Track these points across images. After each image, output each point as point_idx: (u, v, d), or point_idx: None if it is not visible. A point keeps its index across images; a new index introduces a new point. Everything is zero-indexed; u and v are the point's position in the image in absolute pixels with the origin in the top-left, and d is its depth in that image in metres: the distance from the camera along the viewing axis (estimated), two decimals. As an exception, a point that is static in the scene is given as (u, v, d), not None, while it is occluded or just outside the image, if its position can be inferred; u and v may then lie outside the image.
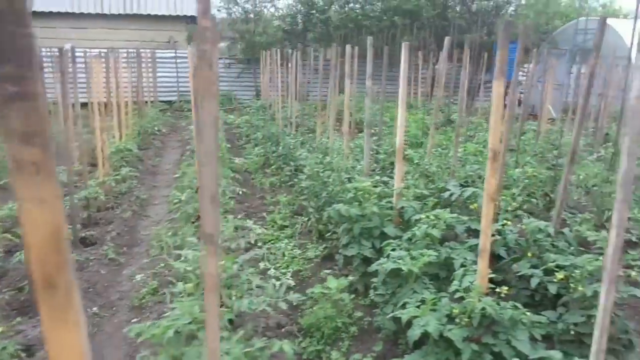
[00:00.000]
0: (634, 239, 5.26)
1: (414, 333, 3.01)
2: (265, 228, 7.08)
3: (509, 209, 4.82)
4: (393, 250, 3.90)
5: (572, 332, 3.38)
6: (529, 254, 4.01)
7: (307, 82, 14.73)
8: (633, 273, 3.49)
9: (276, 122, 11.74)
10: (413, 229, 4.19)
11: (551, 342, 3.59)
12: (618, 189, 2.18)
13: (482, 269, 3.16)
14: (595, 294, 3.36)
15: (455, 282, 3.29)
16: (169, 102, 19.61)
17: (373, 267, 3.90)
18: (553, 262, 3.64)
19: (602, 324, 2.32)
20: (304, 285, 5.37)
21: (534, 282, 3.62)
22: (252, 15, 20.34)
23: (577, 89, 11.42)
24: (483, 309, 2.93)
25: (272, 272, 5.69)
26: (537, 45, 19.33)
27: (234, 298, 3.36)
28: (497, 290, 3.19)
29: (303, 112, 12.94)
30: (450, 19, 18.34)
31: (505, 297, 4.16)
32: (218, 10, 20.17)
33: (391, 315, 3.33)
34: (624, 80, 9.25)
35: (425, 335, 3.10)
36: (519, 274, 3.79)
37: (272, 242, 6.63)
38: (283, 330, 4.48)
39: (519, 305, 3.18)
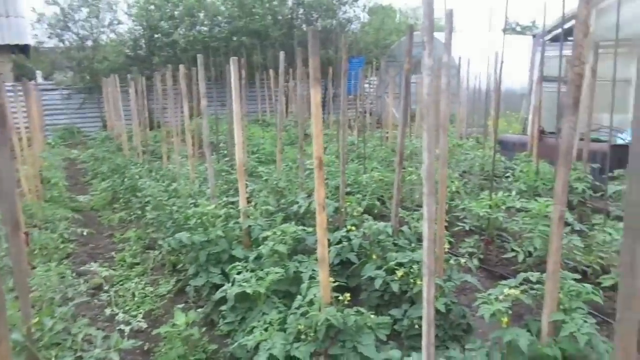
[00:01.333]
0: (467, 227, 5.70)
1: (260, 359, 2.84)
2: (114, 269, 6.45)
3: (355, 214, 4.92)
4: (238, 273, 3.72)
5: (417, 326, 3.48)
6: (374, 256, 4.10)
7: (158, 107, 14.05)
8: (463, 260, 3.72)
9: (123, 153, 10.95)
10: (259, 248, 4.04)
11: (400, 339, 3.68)
12: (424, 183, 2.25)
13: (324, 279, 3.11)
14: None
15: (299, 297, 3.20)
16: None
17: (217, 295, 3.67)
18: (394, 261, 3.74)
19: (427, 316, 2.36)
20: (157, 325, 4.91)
21: (377, 283, 3.68)
22: (89, 42, 18.95)
23: (416, 96, 12.40)
24: (327, 320, 2.87)
25: (120, 316, 5.15)
26: (378, 59, 20.79)
27: (53, 359, 2.89)
28: (340, 298, 3.15)
29: (155, 140, 12.26)
30: (296, 37, 18.89)
31: (356, 303, 4.21)
32: (49, 37, 18.46)
33: (237, 343, 3.13)
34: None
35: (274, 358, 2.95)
36: (363, 277, 3.83)
37: (121, 283, 6.04)
38: (131, 381, 4.04)
39: (362, 310, 3.19)
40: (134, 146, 10.31)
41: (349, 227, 4.37)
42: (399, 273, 3.57)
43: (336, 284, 3.30)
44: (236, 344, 3.17)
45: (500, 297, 2.95)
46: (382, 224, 4.14)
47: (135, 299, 5.53)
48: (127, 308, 5.35)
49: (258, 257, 4.06)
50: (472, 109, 12.63)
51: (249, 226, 4.51)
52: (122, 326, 4.97)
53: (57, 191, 8.77)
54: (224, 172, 7.59)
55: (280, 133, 6.62)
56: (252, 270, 3.79)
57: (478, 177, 7.20)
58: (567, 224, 4.97)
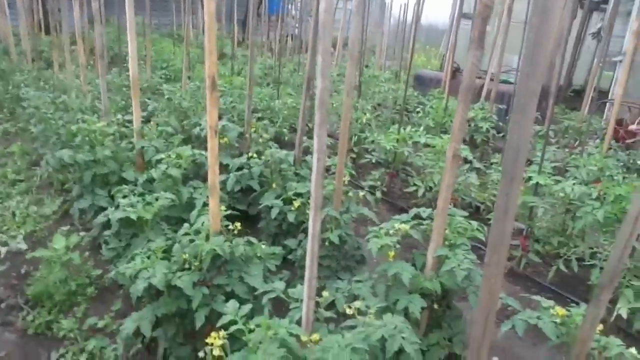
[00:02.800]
0: (373, 160, 5.71)
1: (137, 288, 2.67)
2: (-7, 186, 5.84)
3: (261, 140, 4.71)
4: (124, 196, 3.43)
5: (310, 257, 3.44)
6: (274, 185, 3.97)
7: (58, 10, 12.47)
8: (362, 193, 3.68)
9: (10, 58, 9.70)
10: (150, 171, 3.75)
11: (293, 268, 3.66)
12: (316, 111, 2.07)
13: (213, 207, 2.93)
14: (328, 219, 3.46)
15: (186, 225, 3.01)
16: None
17: (99, 218, 3.38)
18: (293, 190, 3.63)
19: (311, 250, 2.29)
20: (40, 248, 4.55)
21: (274, 213, 3.58)
22: None
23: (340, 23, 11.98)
24: (212, 250, 2.72)
25: (-2, 236, 4.72)
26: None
27: None
28: (230, 227, 3.01)
29: (52, 46, 10.99)
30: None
31: (255, 232, 4.11)
32: None
33: (114, 271, 2.92)
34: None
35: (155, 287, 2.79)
36: (260, 206, 3.71)
37: (0, 201, 5.49)
38: (2, 305, 3.72)
39: (253, 240, 3.08)
40: (23, 50, 9.16)
41: (251, 154, 4.17)
42: (296, 203, 3.48)
43: (228, 212, 3.13)
44: (113, 272, 2.96)
45: (391, 232, 2.95)
46: (284, 152, 3.99)
47: (16, 218, 5.07)
48: (5, 228, 4.89)
49: (149, 181, 3.78)
50: (394, 41, 12.49)
51: (142, 147, 4.16)
52: (-2, 247, 4.57)
53: None
54: (125, 88, 6.97)
55: (187, 47, 6.09)
56: (141, 195, 3.52)
57: (391, 110, 7.18)
58: (467, 161, 5.12)
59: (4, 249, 4.51)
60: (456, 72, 7.88)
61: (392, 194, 5.94)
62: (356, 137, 6.02)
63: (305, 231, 3.66)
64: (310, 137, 4.71)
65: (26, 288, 3.89)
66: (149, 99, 6.57)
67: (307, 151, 4.60)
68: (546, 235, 4.27)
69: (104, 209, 3.94)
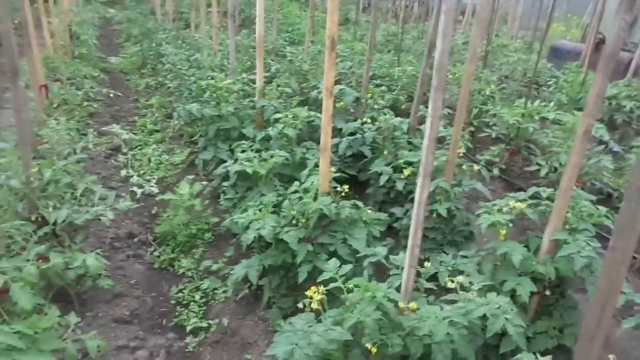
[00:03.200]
0: (494, 135, 5.39)
1: (247, 237, 2.84)
2: (135, 133, 6.51)
3: (376, 106, 4.67)
4: (243, 151, 3.63)
5: (416, 227, 3.39)
6: (385, 152, 3.93)
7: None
8: (477, 167, 3.51)
9: (156, 17, 10.59)
10: (268, 129, 3.91)
11: (397, 237, 3.63)
12: (434, 74, 1.99)
13: (323, 168, 2.99)
14: (438, 189, 3.37)
15: (296, 183, 3.11)
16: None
17: (219, 170, 3.62)
18: (404, 159, 3.57)
19: (416, 218, 2.24)
20: (168, 192, 5.01)
21: (382, 180, 3.56)
22: None
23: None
24: (319, 209, 2.79)
25: (134, 179, 5.27)
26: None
27: (50, 209, 2.95)
28: (338, 189, 3.05)
29: (190, 8, 11.81)
30: None
31: (363, 197, 4.12)
32: None
33: (229, 220, 3.12)
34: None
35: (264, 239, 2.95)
36: (369, 172, 3.70)
37: (139, 147, 6.11)
38: (135, 240, 4.19)
39: (359, 204, 3.09)
40: (166, 11, 9.93)
41: (364, 119, 4.15)
42: (406, 172, 3.42)
43: (337, 174, 3.18)
44: (228, 220, 3.17)
45: (505, 209, 2.78)
46: (398, 119, 3.91)
47: (151, 164, 5.62)
48: (141, 172, 5.45)
49: (266, 139, 3.95)
50: (530, 9, 11.47)
51: (263, 106, 4.34)
52: (135, 188, 5.10)
53: (86, 49, 8.65)
54: (252, 49, 7.26)
55: (311, 11, 6.15)
56: (258, 151, 3.70)
57: (518, 83, 6.67)
58: (602, 142, 4.63)
59: (139, 191, 5.03)
60: (600, 44, 7.04)
61: (511, 172, 5.58)
62: (477, 109, 5.70)
63: (412, 201, 3.58)
64: (427, 106, 4.56)
65: (155, 227, 4.34)
66: (273, 60, 6.79)
67: (422, 120, 4.45)
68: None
69: (224, 161, 4.20)
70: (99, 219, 3.25)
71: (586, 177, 4.55)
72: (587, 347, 1.43)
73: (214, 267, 3.72)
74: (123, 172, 5.37)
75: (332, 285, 2.17)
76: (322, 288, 2.16)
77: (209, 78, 4.80)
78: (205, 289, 3.57)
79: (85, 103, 6.82)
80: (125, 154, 5.86)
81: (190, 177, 5.10)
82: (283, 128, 3.86)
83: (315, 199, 2.94)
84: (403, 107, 6.37)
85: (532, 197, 2.95)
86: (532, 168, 4.83)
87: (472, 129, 5.90)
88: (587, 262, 2.39)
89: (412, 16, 14.24)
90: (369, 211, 3.10)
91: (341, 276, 2.21)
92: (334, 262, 2.31)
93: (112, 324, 3.20)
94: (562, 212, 2.58)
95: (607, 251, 1.33)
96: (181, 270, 3.81)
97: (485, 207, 2.82)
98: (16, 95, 2.87)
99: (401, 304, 2.18)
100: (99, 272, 3.35)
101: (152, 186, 5.14)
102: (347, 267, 2.26)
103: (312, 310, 2.11)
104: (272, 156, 3.54)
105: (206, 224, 4.22)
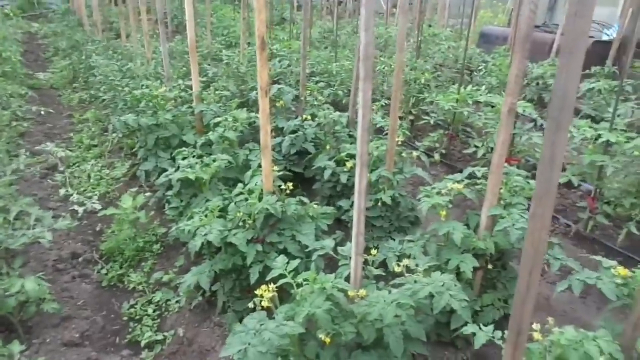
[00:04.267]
0: (432, 121, 5.56)
1: (195, 244, 2.81)
2: (71, 150, 6.26)
3: (316, 103, 4.71)
4: (184, 158, 3.58)
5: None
6: (328, 147, 3.98)
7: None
8: (415, 153, 3.62)
9: (84, 29, 10.21)
10: (209, 134, 3.87)
11: (347, 229, 3.69)
12: (360, 65, 2.04)
13: (266, 168, 3.00)
14: (381, 179, 3.44)
15: (240, 185, 3.10)
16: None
17: (161, 179, 3.56)
18: (345, 152, 3.63)
19: (358, 206, 2.29)
20: (111, 207, 4.85)
21: (326, 174, 3.60)
22: None
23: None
24: (265, 208, 2.79)
25: (75, 197, 5.08)
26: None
27: (-16, 237, 2.81)
28: (282, 187, 3.07)
29: (119, 17, 11.45)
30: None
31: (311, 193, 4.15)
32: None
33: (175, 228, 3.08)
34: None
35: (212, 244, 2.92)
36: (314, 168, 3.74)
37: (77, 164, 5.89)
38: (80, 259, 4.04)
39: (304, 199, 3.12)
40: (94, 21, 9.59)
41: (305, 116, 4.18)
42: (349, 164, 3.48)
43: (281, 172, 3.19)
44: (174, 228, 3.12)
45: (444, 191, 2.89)
46: (337, 114, 3.97)
47: (91, 180, 5.43)
48: (82, 189, 5.26)
49: (208, 143, 3.91)
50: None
51: (201, 111, 4.29)
52: (75, 207, 4.92)
53: (9, 66, 8.24)
54: (187, 55, 7.15)
55: (245, 13, 6.13)
56: (200, 157, 3.66)
57: (451, 70, 6.91)
58: (532, 120, 4.87)
59: (81, 209, 4.86)
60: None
61: (452, 156, 5.78)
62: (414, 98, 5.86)
63: (358, 192, 3.67)
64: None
65: (100, 244, 4.21)
66: (209, 64, 6.71)
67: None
68: (617, 197, 4.01)
69: (166, 170, 4.13)
70: (38, 242, 3.13)
71: (520, 154, 4.78)
72: (520, 311, 1.52)
73: (165, 278, 3.65)
74: (62, 191, 5.17)
75: (281, 281, 2.19)
76: (272, 285, 2.17)
77: (144, 87, 4.69)
78: (158, 301, 3.50)
79: (14, 123, 6.51)
80: (62, 172, 5.64)
81: (134, 189, 4.97)
82: (224, 131, 3.83)
83: (260, 199, 2.94)
84: (344, 101, 6.46)
85: (468, 177, 3.08)
86: (470, 150, 5.02)
87: (412, 117, 6.07)
88: (521, 234, 2.52)
89: (347, 12, 14.43)
90: (315, 206, 3.14)
91: (290, 272, 2.23)
92: (281, 258, 2.32)
93: (62, 348, 3.08)
94: (495, 188, 2.71)
95: (528, 218, 1.42)
96: (131, 285, 3.72)
97: (426, 191, 2.92)
98: None
99: (351, 293, 2.23)
100: (42, 297, 3.23)
101: (94, 203, 4.97)
102: (295, 262, 2.28)
103: (263, 308, 2.12)
104: (214, 160, 3.51)
105: (154, 235, 4.14)
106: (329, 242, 2.64)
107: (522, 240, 2.59)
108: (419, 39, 6.78)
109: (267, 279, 2.24)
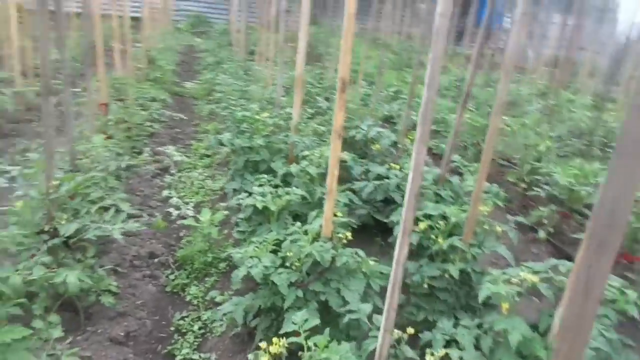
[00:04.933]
0: (543, 194, 4.99)
1: (238, 274, 2.76)
2: (187, 155, 6.74)
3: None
4: (260, 185, 3.60)
5: (426, 285, 3.16)
6: (410, 201, 3.73)
7: (287, 10, 13.91)
8: (499, 228, 3.23)
9: (232, 48, 11.10)
10: (293, 166, 3.87)
11: (407, 294, 3.40)
12: (418, 126, 1.84)
13: (327, 212, 2.87)
14: (453, 249, 3.13)
15: (297, 224, 3.01)
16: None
17: (232, 202, 3.61)
18: (422, 210, 3.36)
19: (393, 277, 2.05)
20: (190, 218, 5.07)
21: (396, 231, 3.36)
22: None
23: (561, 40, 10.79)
24: (309, 254, 2.66)
25: (174, 200, 5.41)
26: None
27: (63, 222, 3.06)
28: (340, 236, 2.91)
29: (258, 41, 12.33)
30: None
31: (386, 245, 3.92)
32: None
33: (227, 253, 3.07)
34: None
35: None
36: (386, 220, 3.52)
37: (187, 170, 6.30)
38: (156, 260, 4.24)
39: (361, 253, 2.93)
40: (238, 41, 10.38)
41: (392, 164, 4.00)
42: (422, 225, 3.21)
43: (345, 219, 3.04)
44: (229, 252, 3.12)
45: (514, 280, 2.51)
46: (428, 168, 3.72)
47: (193, 188, 5.76)
48: (182, 194, 5.59)
49: (289, 174, 3.90)
50: (616, 63, 10.75)
51: (294, 141, 4.32)
52: (171, 209, 5.23)
53: (160, 73, 9.19)
54: (309, 85, 7.36)
55: (366, 50, 6.13)
56: (276, 186, 3.65)
57: (581, 142, 6.19)
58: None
59: (175, 212, 5.15)
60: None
61: (562, 236, 5.12)
62: (530, 165, 5.33)
63: (429, 257, 3.36)
64: (461, 156, 4.35)
65: (178, 250, 4.39)
66: (327, 98, 6.82)
67: (455, 170, 4.24)
68: None
69: (247, 192, 4.20)
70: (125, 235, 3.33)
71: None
72: None
73: (219, 298, 3.66)
74: (165, 193, 5.53)
75: (291, 339, 2.03)
76: (283, 340, 2.02)
77: (245, 109, 4.87)
78: (206, 320, 3.52)
79: (148, 123, 7.19)
80: (172, 175, 6.07)
81: (223, 204, 5.15)
82: (306, 166, 3.80)
83: (313, 242, 2.82)
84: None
85: (553, 268, 2.64)
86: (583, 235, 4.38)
87: (524, 185, 5.52)
88: (595, 355, 2.07)
89: (489, 63, 13.85)
90: (372, 262, 2.93)
91: (305, 331, 2.06)
92: (302, 314, 2.17)
93: (106, 343, 3.21)
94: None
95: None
96: (188, 298, 3.79)
97: (492, 276, 2.56)
98: (45, 111, 3.04)
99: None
100: (103, 288, 3.44)
101: (188, 209, 5.24)
102: (314, 321, 2.11)
103: (264, 363, 1.98)
104: (287, 193, 3.48)
105: (223, 253, 4.21)
106: (365, 307, 2.42)
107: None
108: (552, 102, 6.20)
109: (280, 332, 2.09)
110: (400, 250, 2.00)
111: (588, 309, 1.02)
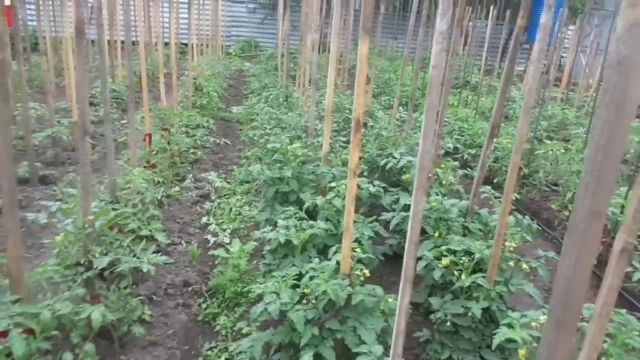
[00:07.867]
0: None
1: (257, 310, 2.81)
2: (228, 182, 6.92)
3: (445, 182, 4.43)
4: (285, 218, 3.66)
5: (449, 323, 3.09)
6: (436, 234, 3.68)
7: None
8: (525, 265, 3.12)
9: (279, 73, 11.38)
10: (319, 198, 3.91)
11: (431, 331, 3.34)
12: (416, 175, 1.84)
13: (345, 248, 2.89)
14: (476, 287, 3.05)
15: (316, 260, 3.04)
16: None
17: (257, 234, 3.68)
18: (446, 245, 3.31)
19: (397, 325, 2.04)
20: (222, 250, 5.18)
21: (420, 266, 3.32)
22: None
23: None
24: (325, 291, 2.68)
25: (212, 227, 5.56)
26: (583, 5, 17.73)
27: (97, 255, 3.24)
28: (357, 273, 2.91)
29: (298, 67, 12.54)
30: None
31: (415, 279, 3.87)
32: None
33: (247, 288, 3.13)
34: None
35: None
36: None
37: (227, 196, 6.47)
38: (190, 288, 4.38)
39: (379, 290, 2.91)
40: (283, 68, 10.64)
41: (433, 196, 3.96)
42: (445, 261, 3.15)
43: (364, 255, 3.04)
44: (250, 286, 3.18)
45: (534, 324, 2.42)
46: (451, 202, 3.66)
47: (230, 215, 5.90)
48: (220, 221, 5.74)
49: (315, 206, 3.94)
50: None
51: (322, 172, 4.36)
52: (209, 236, 5.39)
53: (207, 100, 9.54)
54: (348, 111, 7.42)
55: (402, 74, 6.13)
56: (302, 219, 3.70)
57: (629, 168, 5.87)
58: None
59: (212, 239, 5.30)
60: None
61: (604, 270, 4.84)
62: (573, 192, 5.11)
63: (452, 292, 3.29)
64: (490, 187, 4.23)
65: (211, 279, 4.51)
66: (365, 124, 6.84)
67: (483, 203, 4.13)
68: None
69: (276, 223, 4.27)
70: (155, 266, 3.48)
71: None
72: None
73: (246, 329, 3.73)
74: (204, 219, 5.71)
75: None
76: (287, 384, 2.04)
77: (276, 140, 4.98)
78: (232, 351, 3.59)
79: (192, 150, 7.47)
80: (212, 201, 6.25)
81: (258, 232, 5.25)
82: (333, 197, 3.83)
83: (329, 279, 2.83)
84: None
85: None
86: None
87: (568, 213, 5.29)
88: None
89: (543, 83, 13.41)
90: (390, 300, 2.90)
91: (309, 375, 2.08)
92: (308, 357, 2.18)
93: (136, 373, 3.35)
94: (597, 340, 2.16)
95: None
96: (217, 328, 3.88)
97: (510, 319, 2.48)
98: (82, 151, 3.25)
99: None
100: (135, 319, 3.58)
101: (225, 236, 5.37)
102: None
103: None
104: (312, 226, 3.52)
105: (253, 283, 4.28)
106: (377, 349, 2.40)
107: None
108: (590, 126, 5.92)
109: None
110: (402, 298, 1.98)
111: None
